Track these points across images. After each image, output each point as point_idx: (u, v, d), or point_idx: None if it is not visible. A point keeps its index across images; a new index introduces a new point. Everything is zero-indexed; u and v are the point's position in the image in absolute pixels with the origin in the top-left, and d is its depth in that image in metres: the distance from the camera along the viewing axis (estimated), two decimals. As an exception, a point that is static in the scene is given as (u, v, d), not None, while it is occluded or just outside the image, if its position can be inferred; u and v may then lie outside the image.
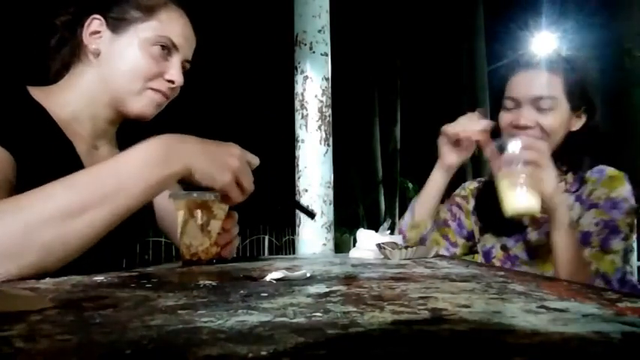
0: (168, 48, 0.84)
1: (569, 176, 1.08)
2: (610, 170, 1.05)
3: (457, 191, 1.30)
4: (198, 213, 0.81)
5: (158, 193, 0.68)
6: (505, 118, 1.08)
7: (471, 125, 1.06)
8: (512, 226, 1.10)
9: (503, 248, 1.13)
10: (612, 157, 1.13)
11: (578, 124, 1.07)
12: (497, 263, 1.14)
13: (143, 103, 0.85)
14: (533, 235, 1.09)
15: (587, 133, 1.07)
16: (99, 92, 0.84)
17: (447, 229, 1.25)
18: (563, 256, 0.92)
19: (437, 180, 1.16)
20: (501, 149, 0.95)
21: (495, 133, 1.12)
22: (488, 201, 1.14)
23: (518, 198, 0.90)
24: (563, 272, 0.92)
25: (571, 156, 1.07)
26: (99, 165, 0.65)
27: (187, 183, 0.76)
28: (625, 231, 0.98)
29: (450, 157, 1.11)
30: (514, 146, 0.92)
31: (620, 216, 0.98)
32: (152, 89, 0.85)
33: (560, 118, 1.04)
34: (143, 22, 0.83)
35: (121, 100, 0.84)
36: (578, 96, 1.05)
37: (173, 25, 0.85)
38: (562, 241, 0.92)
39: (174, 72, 0.86)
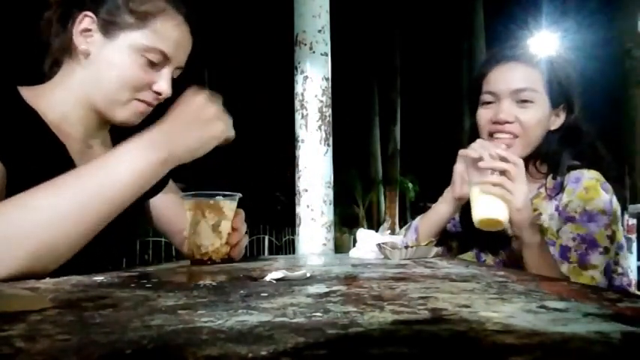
0: (159, 58, 0.81)
1: (549, 181, 1.05)
2: (586, 180, 0.99)
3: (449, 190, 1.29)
4: (209, 213, 0.81)
5: (145, 187, 0.67)
6: (483, 114, 1.05)
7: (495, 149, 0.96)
8: (496, 234, 1.08)
9: (492, 253, 1.12)
10: (611, 155, 1.10)
11: (557, 122, 1.05)
12: (491, 257, 1.13)
13: (128, 113, 0.83)
14: (516, 243, 1.05)
15: (567, 133, 1.04)
16: (87, 94, 0.82)
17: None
18: (535, 272, 0.89)
19: (443, 211, 1.08)
20: (467, 165, 0.93)
21: (473, 134, 1.10)
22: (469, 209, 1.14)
23: (486, 207, 0.89)
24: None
25: (551, 157, 1.04)
26: (82, 166, 0.66)
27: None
28: (604, 244, 0.95)
29: (462, 188, 1.01)
30: (489, 156, 0.90)
31: (597, 229, 0.95)
32: (138, 100, 0.83)
33: (540, 114, 1.01)
34: (135, 30, 0.79)
35: (106, 106, 0.82)
36: (558, 92, 1.02)
37: (167, 36, 0.82)
38: (531, 260, 0.90)
39: (164, 84, 0.83)
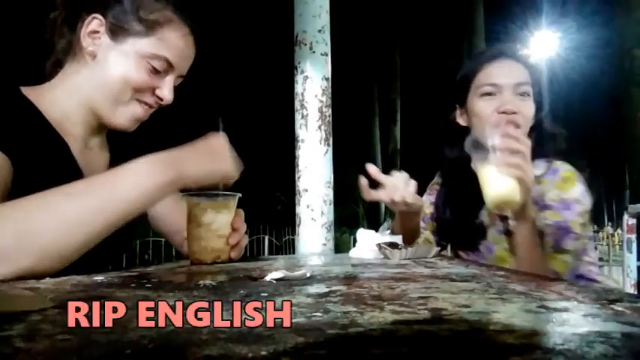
0: (163, 66, 0.83)
1: None
2: (563, 171, 1.05)
3: (435, 179, 1.31)
4: (209, 213, 0.81)
5: (153, 201, 0.69)
6: (486, 105, 1.06)
7: (399, 190, 1.01)
8: (470, 233, 1.12)
9: (465, 250, 1.15)
10: (611, 154, 1.13)
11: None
12: (464, 256, 1.16)
13: (126, 116, 0.84)
14: (490, 232, 1.10)
15: (539, 129, 1.08)
16: (89, 94, 0.83)
17: (434, 224, 1.25)
18: (526, 251, 0.93)
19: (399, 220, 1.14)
20: (476, 143, 0.93)
21: (453, 130, 1.13)
22: (448, 199, 1.17)
23: (504, 188, 0.88)
24: (524, 267, 0.92)
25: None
26: (96, 176, 0.68)
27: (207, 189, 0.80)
28: (577, 231, 0.99)
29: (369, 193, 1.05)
30: (499, 136, 0.90)
31: (572, 217, 1.00)
32: (140, 101, 0.84)
33: (533, 108, 1.05)
34: (143, 37, 0.81)
35: (106, 107, 0.83)
36: (537, 89, 1.07)
37: (173, 45, 0.83)
38: (527, 236, 0.92)
39: (166, 91, 0.85)
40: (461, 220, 1.14)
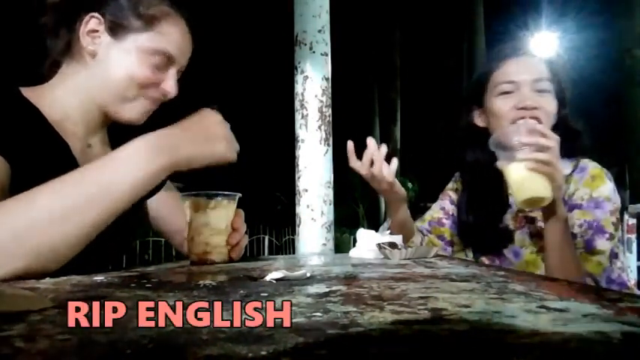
0: (165, 60, 0.84)
1: None
2: (592, 169, 1.02)
3: (449, 184, 1.29)
4: (209, 213, 0.81)
5: (146, 190, 0.67)
6: (505, 103, 1.04)
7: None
8: (491, 236, 1.10)
9: (487, 255, 1.13)
10: (611, 155, 1.12)
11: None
12: (487, 262, 1.13)
13: (135, 110, 0.85)
14: (517, 235, 1.08)
15: (562, 127, 1.05)
16: (92, 93, 0.83)
17: (442, 229, 1.24)
18: (558, 252, 0.90)
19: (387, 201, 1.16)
20: (501, 142, 0.91)
21: (470, 132, 1.12)
22: (470, 203, 1.14)
23: (535, 185, 0.86)
24: (556, 269, 0.90)
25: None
26: (84, 167, 0.65)
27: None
28: (610, 230, 0.96)
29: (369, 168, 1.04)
30: (525, 133, 0.88)
31: (603, 215, 0.96)
32: (145, 97, 0.85)
33: (554, 103, 1.03)
34: (142, 33, 0.82)
35: (113, 104, 0.83)
36: (559, 85, 1.05)
37: (173, 38, 0.84)
38: (559, 235, 0.90)
39: (171, 84, 0.86)
40: (484, 225, 1.11)
